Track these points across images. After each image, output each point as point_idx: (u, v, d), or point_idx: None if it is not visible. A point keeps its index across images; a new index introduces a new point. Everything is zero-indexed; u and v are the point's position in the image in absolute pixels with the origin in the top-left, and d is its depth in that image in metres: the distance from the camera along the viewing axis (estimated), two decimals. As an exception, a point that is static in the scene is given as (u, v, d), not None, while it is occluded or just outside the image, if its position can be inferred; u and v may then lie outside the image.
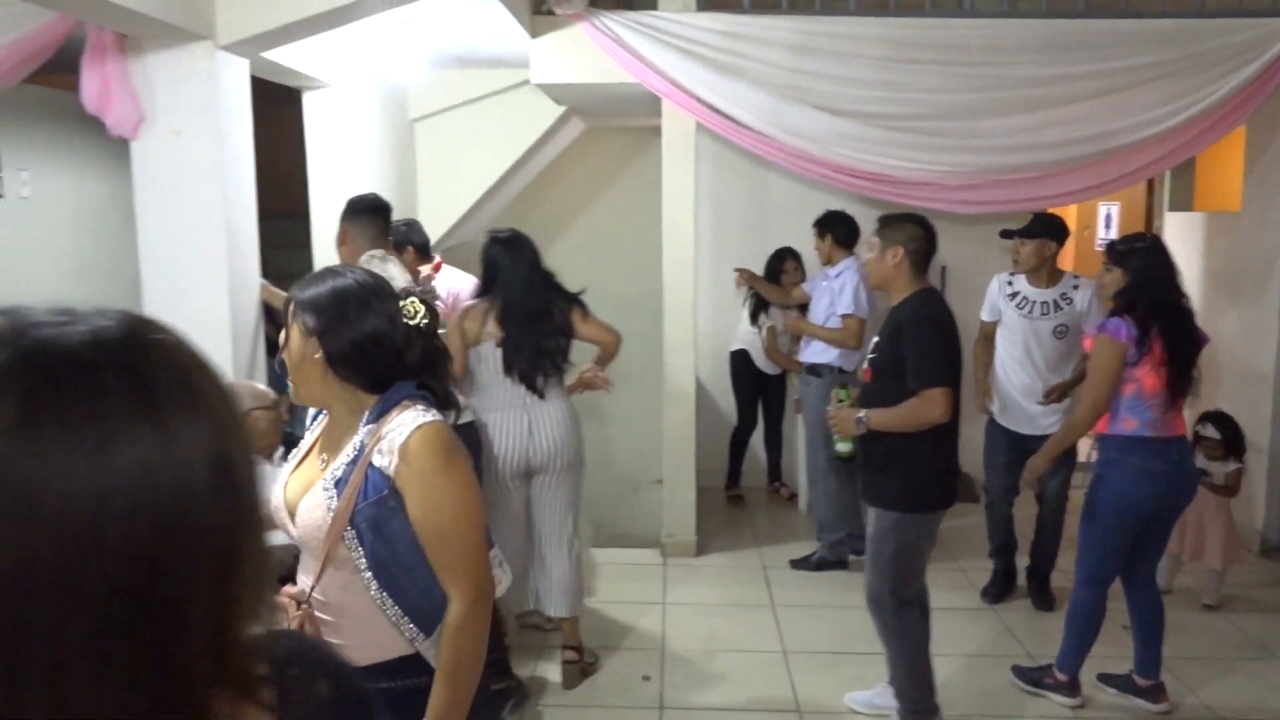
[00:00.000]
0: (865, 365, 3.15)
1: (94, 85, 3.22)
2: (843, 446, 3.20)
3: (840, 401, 3.17)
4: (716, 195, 5.75)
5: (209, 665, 0.64)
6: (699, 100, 4.56)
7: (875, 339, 3.14)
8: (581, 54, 4.57)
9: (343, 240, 3.49)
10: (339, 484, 1.66)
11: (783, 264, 5.36)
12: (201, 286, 3.30)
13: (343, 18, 3.41)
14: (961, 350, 3.05)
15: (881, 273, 3.09)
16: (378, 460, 1.64)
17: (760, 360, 5.51)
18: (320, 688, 0.78)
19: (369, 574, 1.64)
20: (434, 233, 5.56)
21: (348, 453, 1.68)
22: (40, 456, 0.57)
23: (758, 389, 5.63)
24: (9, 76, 3.24)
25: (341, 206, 4.58)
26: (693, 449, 4.84)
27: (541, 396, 3.45)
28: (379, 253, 3.37)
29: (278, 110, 4.50)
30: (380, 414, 1.67)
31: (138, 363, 0.62)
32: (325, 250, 4.59)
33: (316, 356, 1.66)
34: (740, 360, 5.60)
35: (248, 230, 3.51)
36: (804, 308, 5.20)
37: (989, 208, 4.77)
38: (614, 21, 4.48)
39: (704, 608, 4.29)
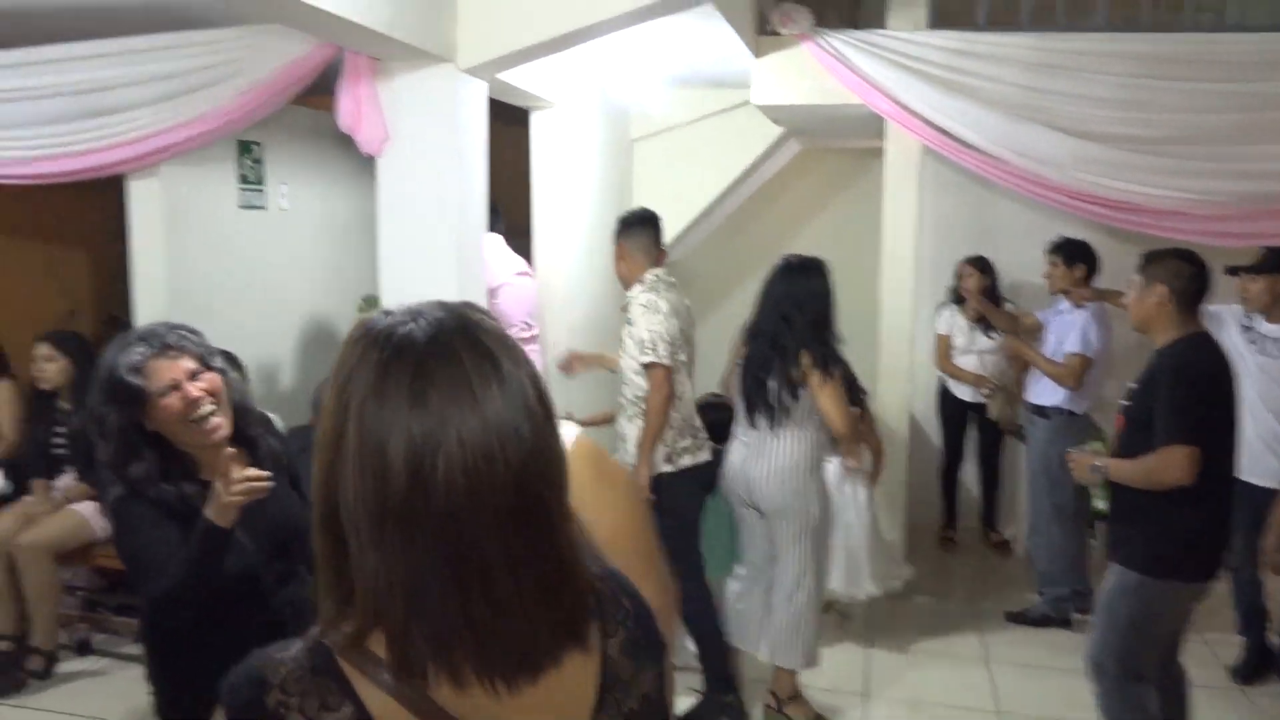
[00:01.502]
0: (1119, 413, 2.87)
1: (348, 106, 3.46)
2: (1100, 504, 2.94)
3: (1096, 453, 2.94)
4: (937, 219, 5.51)
5: (571, 558, 0.86)
6: (925, 121, 4.38)
7: (1131, 385, 2.85)
8: (804, 74, 4.50)
9: (621, 256, 3.60)
10: None
11: (958, 269, 5.10)
12: (431, 294, 3.46)
13: (576, 40, 3.50)
14: (1232, 404, 2.72)
15: (1142, 313, 2.81)
16: None
17: (959, 387, 5.21)
18: (624, 602, 0.95)
19: None
20: (648, 251, 5.64)
21: None
22: (438, 416, 0.78)
23: (961, 419, 5.32)
24: (278, 99, 3.54)
25: (563, 222, 4.76)
26: (903, 485, 4.63)
27: (754, 427, 3.35)
28: (662, 273, 3.50)
29: (507, 129, 4.69)
30: None
31: (477, 338, 0.83)
32: (546, 263, 4.75)
33: None
34: (941, 388, 5.33)
35: (475, 243, 3.67)
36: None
37: (1249, 241, 4.29)
38: (840, 41, 4.39)
39: (911, 655, 4.08)
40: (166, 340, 1.93)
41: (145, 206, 3.92)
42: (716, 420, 3.66)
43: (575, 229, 4.80)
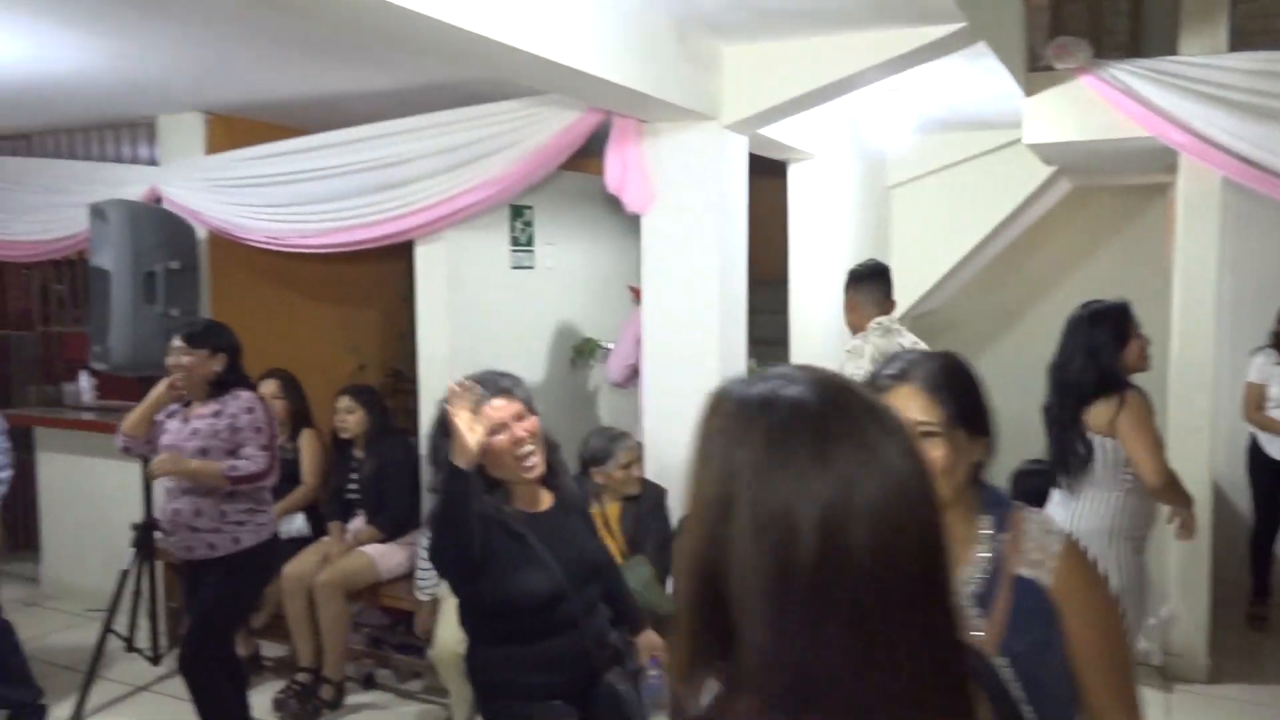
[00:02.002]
0: None
1: (615, 168, 3.58)
2: None
3: None
4: (1239, 258, 4.94)
5: (962, 631, 0.80)
6: (1227, 151, 3.95)
7: None
8: (1082, 110, 4.21)
9: (851, 307, 3.65)
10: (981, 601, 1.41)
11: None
12: (696, 347, 3.50)
13: (839, 91, 3.44)
14: None
15: None
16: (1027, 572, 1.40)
17: (1272, 442, 4.58)
18: (998, 677, 0.93)
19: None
20: (906, 299, 5.43)
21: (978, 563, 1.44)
22: (846, 479, 0.75)
23: (1275, 479, 4.67)
24: (551, 164, 3.71)
25: (819, 273, 4.68)
26: (1206, 556, 4.13)
27: (1061, 489, 3.05)
28: (887, 320, 3.49)
29: (765, 181, 4.69)
30: (1003, 516, 1.46)
31: (863, 398, 0.81)
32: (801, 315, 4.68)
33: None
34: (1251, 444, 4.73)
35: (739, 296, 3.67)
36: None
37: None
38: (1124, 72, 4.06)
39: (1221, 750, 3.60)
40: (501, 384, 2.16)
41: (430, 269, 4.21)
42: (1035, 489, 3.39)
43: (831, 279, 4.70)
